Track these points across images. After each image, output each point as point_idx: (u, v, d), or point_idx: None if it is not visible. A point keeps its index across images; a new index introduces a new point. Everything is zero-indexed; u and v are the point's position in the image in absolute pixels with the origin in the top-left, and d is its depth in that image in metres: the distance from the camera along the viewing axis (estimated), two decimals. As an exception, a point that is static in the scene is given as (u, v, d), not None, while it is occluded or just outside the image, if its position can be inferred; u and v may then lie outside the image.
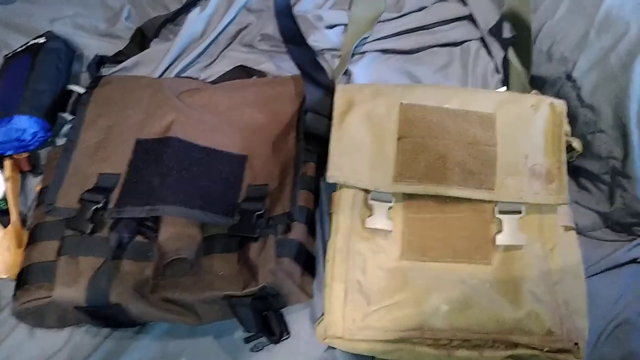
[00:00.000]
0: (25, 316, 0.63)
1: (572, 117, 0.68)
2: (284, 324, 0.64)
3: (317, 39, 0.80)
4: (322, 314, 0.61)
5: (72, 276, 0.60)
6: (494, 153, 0.63)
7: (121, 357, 0.63)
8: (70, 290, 0.59)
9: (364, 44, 0.83)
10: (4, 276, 0.67)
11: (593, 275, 0.65)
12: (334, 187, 0.67)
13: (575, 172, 0.70)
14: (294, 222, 0.63)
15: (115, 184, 0.64)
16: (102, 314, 0.61)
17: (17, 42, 0.84)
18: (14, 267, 0.66)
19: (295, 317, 0.65)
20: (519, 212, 0.62)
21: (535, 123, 0.65)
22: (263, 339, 0.63)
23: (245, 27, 0.85)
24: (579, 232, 0.66)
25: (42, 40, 0.80)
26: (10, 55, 0.81)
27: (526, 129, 0.65)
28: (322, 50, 0.81)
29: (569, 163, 0.65)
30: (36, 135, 0.73)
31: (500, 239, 0.61)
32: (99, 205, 0.62)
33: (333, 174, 0.65)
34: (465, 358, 0.57)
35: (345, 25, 0.84)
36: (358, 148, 0.65)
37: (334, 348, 0.62)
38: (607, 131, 0.66)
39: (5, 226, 0.69)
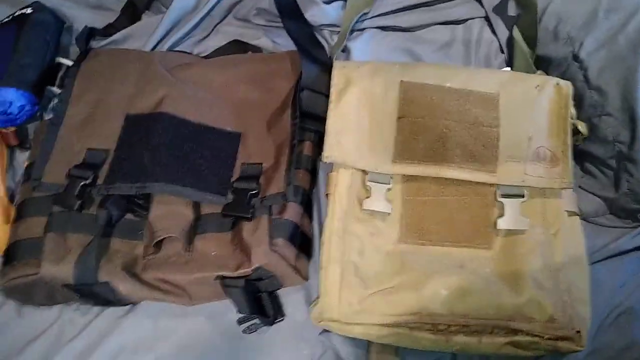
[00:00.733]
0: (13, 293, 0.62)
1: (578, 99, 0.66)
2: (279, 305, 0.63)
3: (315, 14, 0.77)
4: (318, 297, 0.59)
5: (59, 253, 0.58)
6: (496, 134, 0.61)
7: (112, 335, 0.62)
8: (57, 267, 0.57)
9: (363, 20, 0.80)
10: (-9, 253, 0.66)
11: (596, 262, 0.64)
12: (331, 167, 0.65)
13: (580, 156, 0.68)
14: (289, 202, 0.61)
15: (104, 160, 0.62)
16: (91, 292, 0.59)
17: (1, 13, 0.80)
18: (1, 244, 0.65)
19: (291, 299, 0.64)
20: (522, 196, 0.60)
21: (539, 104, 0.63)
22: (257, 321, 0.62)
23: (240, 1, 0.82)
24: (583, 217, 0.64)
25: (28, 10, 0.76)
26: (-5, 26, 0.78)
27: (530, 110, 0.63)
28: (320, 26, 0.78)
29: (574, 147, 0.63)
30: (23, 109, 0.70)
31: (502, 223, 0.60)
32: (87, 182, 0.60)
33: (330, 154, 0.62)
34: (463, 344, 0.56)
35: (345, 0, 0.81)
36: (356, 127, 0.63)
37: (330, 331, 0.60)
38: (614, 114, 0.64)
39: (-9, 202, 0.68)
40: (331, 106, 0.64)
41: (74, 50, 0.81)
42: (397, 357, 0.60)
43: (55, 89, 0.74)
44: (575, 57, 0.68)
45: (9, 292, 0.61)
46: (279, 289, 0.63)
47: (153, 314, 0.63)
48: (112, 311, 0.64)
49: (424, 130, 0.62)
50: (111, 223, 0.60)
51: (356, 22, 0.78)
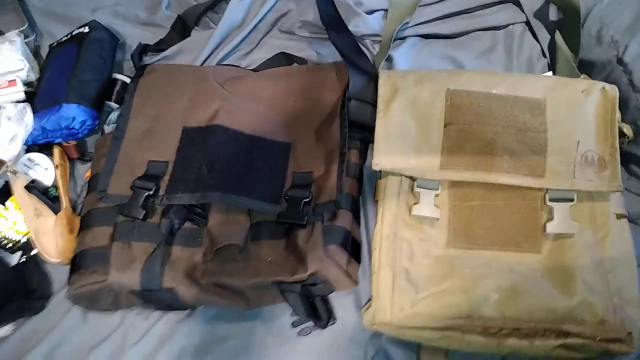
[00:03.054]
0: (80, 300, 0.65)
1: (622, 103, 0.67)
2: (330, 309, 0.65)
3: (358, 25, 0.80)
4: (369, 300, 0.61)
5: (126, 261, 0.61)
6: (544, 139, 0.62)
7: (172, 339, 0.65)
8: (124, 274, 0.61)
9: (405, 29, 0.82)
10: (57, 260, 0.70)
11: (642, 264, 0.64)
12: (377, 173, 0.67)
13: (625, 158, 0.68)
14: (340, 209, 0.63)
15: (164, 172, 0.66)
16: (155, 298, 0.62)
17: (59, 32, 0.85)
18: (67, 252, 0.69)
19: (341, 303, 0.66)
20: (571, 200, 0.61)
21: (586, 109, 0.64)
22: (310, 324, 0.64)
23: (285, 14, 0.85)
24: (630, 219, 0.65)
25: (86, 29, 0.81)
26: (55, 44, 0.83)
27: (577, 115, 0.63)
28: (363, 36, 0.81)
29: (620, 149, 0.64)
30: (84, 124, 0.75)
31: (551, 227, 0.60)
32: (151, 192, 0.63)
33: (379, 161, 0.64)
34: (515, 347, 0.57)
35: (385, 10, 0.83)
36: (404, 135, 0.65)
37: (381, 334, 0.62)
38: (660, 117, 0.65)
39: (56, 212, 0.71)
40: (379, 115, 0.66)
41: (127, 65, 0.85)
42: (447, 359, 0.61)
43: (112, 104, 0.79)
44: (620, 61, 0.69)
45: (77, 298, 0.64)
46: (331, 293, 0.65)
47: (211, 318, 0.66)
48: (171, 315, 0.66)
49: (472, 137, 0.63)
50: (172, 231, 0.63)
51: (398, 31, 0.79)
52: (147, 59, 0.84)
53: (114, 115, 0.77)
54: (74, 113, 0.73)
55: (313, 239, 0.61)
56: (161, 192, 0.64)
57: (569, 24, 0.74)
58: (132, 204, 0.63)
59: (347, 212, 0.65)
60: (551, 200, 0.61)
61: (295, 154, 0.68)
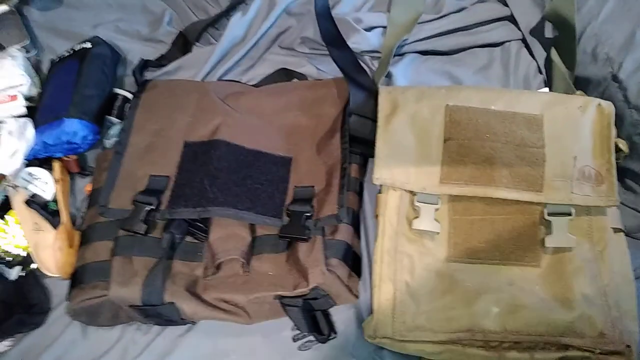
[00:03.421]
0: (80, 315, 0.65)
1: (618, 118, 0.68)
2: (332, 323, 0.65)
3: (357, 41, 0.81)
4: (371, 314, 0.62)
5: (127, 276, 0.61)
6: (542, 155, 0.63)
7: (173, 354, 0.65)
8: (125, 289, 0.61)
9: (404, 45, 0.83)
10: (56, 275, 0.70)
11: (639, 277, 0.64)
12: (379, 188, 0.68)
13: (621, 173, 0.69)
14: (341, 223, 0.64)
15: (165, 186, 0.66)
16: (156, 312, 0.62)
17: (61, 47, 0.86)
18: (66, 267, 0.69)
19: (342, 317, 0.66)
20: (569, 214, 0.62)
21: (583, 124, 0.65)
22: (311, 338, 0.64)
23: (286, 31, 0.86)
24: (626, 233, 0.65)
25: (88, 45, 0.82)
26: (57, 60, 0.83)
27: (574, 131, 0.65)
28: (362, 52, 0.82)
29: (615, 164, 0.65)
30: (86, 138, 0.75)
31: (550, 241, 0.61)
32: (152, 207, 0.64)
33: (379, 176, 0.65)
34: (516, 360, 0.57)
35: (384, 27, 0.84)
36: (404, 150, 0.66)
37: (382, 348, 0.62)
38: (654, 132, 0.66)
39: (56, 227, 0.71)
40: (379, 130, 0.67)
41: (128, 80, 0.86)
42: (449, 373, 0.61)
43: (114, 118, 0.79)
44: (615, 78, 0.70)
45: (77, 313, 0.64)
46: (331, 307, 0.65)
47: (211, 333, 0.66)
48: (172, 330, 0.66)
49: (471, 152, 0.64)
50: (174, 246, 0.64)
51: (397, 47, 0.81)
52: (148, 74, 0.84)
53: (114, 130, 0.77)
54: (75, 128, 0.74)
55: (314, 253, 0.61)
56: (163, 206, 0.64)
57: (564, 42, 0.76)
58: (134, 218, 0.63)
59: (348, 226, 0.65)
60: (549, 214, 0.62)
61: (296, 168, 0.69)
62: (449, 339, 0.58)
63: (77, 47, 0.82)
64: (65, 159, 0.77)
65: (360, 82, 0.73)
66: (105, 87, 0.80)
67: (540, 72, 0.80)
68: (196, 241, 0.65)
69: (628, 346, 0.57)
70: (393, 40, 0.80)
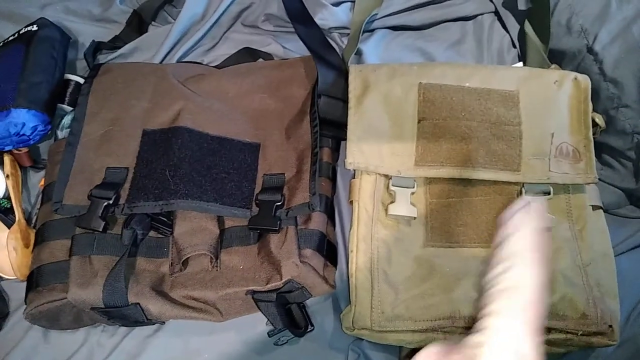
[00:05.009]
0: (39, 319, 0.60)
1: (594, 92, 0.66)
2: (308, 316, 0.62)
3: (325, 17, 0.77)
4: (348, 305, 0.59)
5: (86, 277, 0.57)
6: (518, 132, 0.61)
7: (141, 356, 0.62)
8: (85, 291, 0.57)
9: (373, 20, 0.79)
10: (12, 277, 0.65)
11: (620, 254, 0.64)
12: (352, 173, 0.65)
13: (598, 148, 0.68)
14: (314, 212, 0.61)
15: (124, 179, 0.62)
16: (120, 314, 0.58)
17: (6, 31, 0.79)
18: (22, 268, 0.64)
19: (318, 309, 0.64)
20: (547, 193, 0.60)
21: (559, 100, 0.63)
22: (287, 332, 0.61)
23: (248, 7, 0.81)
24: (604, 210, 0.64)
25: (34, 28, 0.75)
26: (1, 44, 0.77)
27: (551, 107, 0.63)
28: (330, 29, 0.78)
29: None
30: (36, 129, 0.69)
31: (529, 222, 0.59)
32: (110, 202, 0.59)
33: (352, 160, 0.62)
34: (498, 345, 0.56)
35: (353, 1, 0.80)
36: (377, 132, 0.63)
37: (361, 339, 0.60)
38: (631, 105, 0.64)
39: (9, 226, 0.67)
40: (351, 112, 0.64)
41: (81, 65, 0.80)
42: (430, 361, 0.59)
43: (66, 107, 0.74)
44: (590, 50, 0.68)
45: (35, 318, 0.60)
46: (307, 299, 0.62)
47: (182, 331, 0.63)
48: (139, 331, 0.63)
49: (446, 132, 0.61)
50: (136, 242, 0.60)
51: (366, 23, 0.77)
52: (102, 58, 0.79)
53: (67, 119, 0.72)
54: (23, 118, 0.68)
55: (287, 245, 0.58)
56: (122, 201, 0.60)
57: (538, 13, 0.73)
58: (90, 215, 0.59)
59: (322, 214, 0.62)
60: (527, 194, 0.60)
61: (265, 154, 0.65)
62: (429, 327, 0.57)
63: (23, 31, 0.75)
64: (16, 152, 0.71)
65: (329, 60, 0.69)
66: (55, 73, 0.73)
67: (514, 46, 0.77)
68: (161, 236, 0.61)
69: (610, 326, 0.56)
70: (362, 15, 0.76)
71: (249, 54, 0.77)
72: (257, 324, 0.62)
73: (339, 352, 0.62)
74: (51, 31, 0.76)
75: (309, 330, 0.61)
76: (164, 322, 0.63)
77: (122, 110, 0.66)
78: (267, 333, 0.62)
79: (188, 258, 0.60)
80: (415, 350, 0.57)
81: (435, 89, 0.63)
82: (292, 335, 0.61)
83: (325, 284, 0.61)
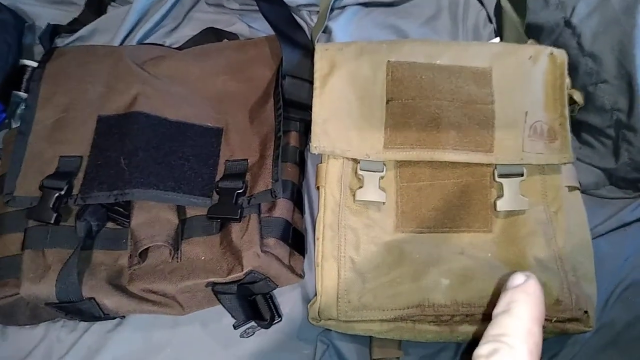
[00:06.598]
0: (-7, 316, 0.58)
1: (572, 68, 0.63)
2: (275, 307, 0.60)
3: (292, -6, 0.73)
4: (315, 296, 0.57)
5: (39, 271, 0.55)
6: (491, 112, 0.58)
7: (102, 352, 0.59)
8: (38, 286, 0.54)
9: (343, -3, 0.76)
10: (-33, 273, 0.62)
11: (598, 236, 0.61)
12: (320, 157, 0.62)
13: (576, 126, 0.65)
14: (278, 199, 0.58)
15: (78, 168, 0.59)
16: (76, 309, 0.56)
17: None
18: (-25, 263, 0.61)
19: (287, 298, 0.61)
20: (521, 175, 0.58)
21: (534, 76, 0.60)
22: (253, 324, 0.59)
23: (212, -16, 0.78)
24: (583, 190, 0.62)
25: (-15, 11, 0.72)
26: (-50, 29, 0.73)
27: (525, 83, 0.60)
28: (299, 6, 0.74)
29: (570, 118, 0.60)
30: (-12, 118, 0.66)
31: (501, 205, 0.57)
32: (62, 192, 0.56)
33: (318, 144, 0.59)
34: (468, 333, 0.54)
35: (323, -23, 0.77)
36: (343, 114, 0.60)
37: (330, 330, 0.58)
38: (610, 81, 0.61)
39: (-37, 219, 0.64)
40: (316, 93, 0.61)
41: (39, 50, 0.76)
42: (400, 350, 0.57)
43: (22, 93, 0.70)
44: (568, 24, 0.65)
45: (-11, 314, 0.58)
46: (273, 289, 0.60)
47: (143, 325, 0.61)
48: (100, 326, 0.61)
49: (415, 113, 0.59)
50: (91, 234, 0.57)
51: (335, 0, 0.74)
52: (60, 42, 0.75)
53: (23, 107, 0.68)
54: (-26, 107, 0.65)
55: (248, 234, 0.55)
56: (75, 191, 0.57)
57: (514, -14, 0.70)
58: (42, 206, 0.56)
59: (287, 201, 0.60)
60: (500, 176, 0.58)
61: (227, 139, 0.62)
62: (398, 316, 0.54)
63: (-27, 14, 0.72)
64: (-31, 142, 0.68)
65: (294, 39, 0.66)
66: (9, 58, 0.70)
67: (491, 21, 0.74)
68: (119, 227, 0.59)
69: (585, 312, 0.54)
70: (331, -9, 0.73)
71: (213, 35, 0.73)
72: (223, 316, 0.60)
73: (308, 343, 0.59)
74: (4, 15, 0.72)
75: (276, 321, 0.59)
76: (124, 317, 0.60)
77: (76, 96, 0.63)
78: (233, 325, 0.59)
79: (147, 250, 0.57)
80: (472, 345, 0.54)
81: (404, 67, 0.60)
82: (259, 327, 0.59)
83: (292, 273, 0.58)
